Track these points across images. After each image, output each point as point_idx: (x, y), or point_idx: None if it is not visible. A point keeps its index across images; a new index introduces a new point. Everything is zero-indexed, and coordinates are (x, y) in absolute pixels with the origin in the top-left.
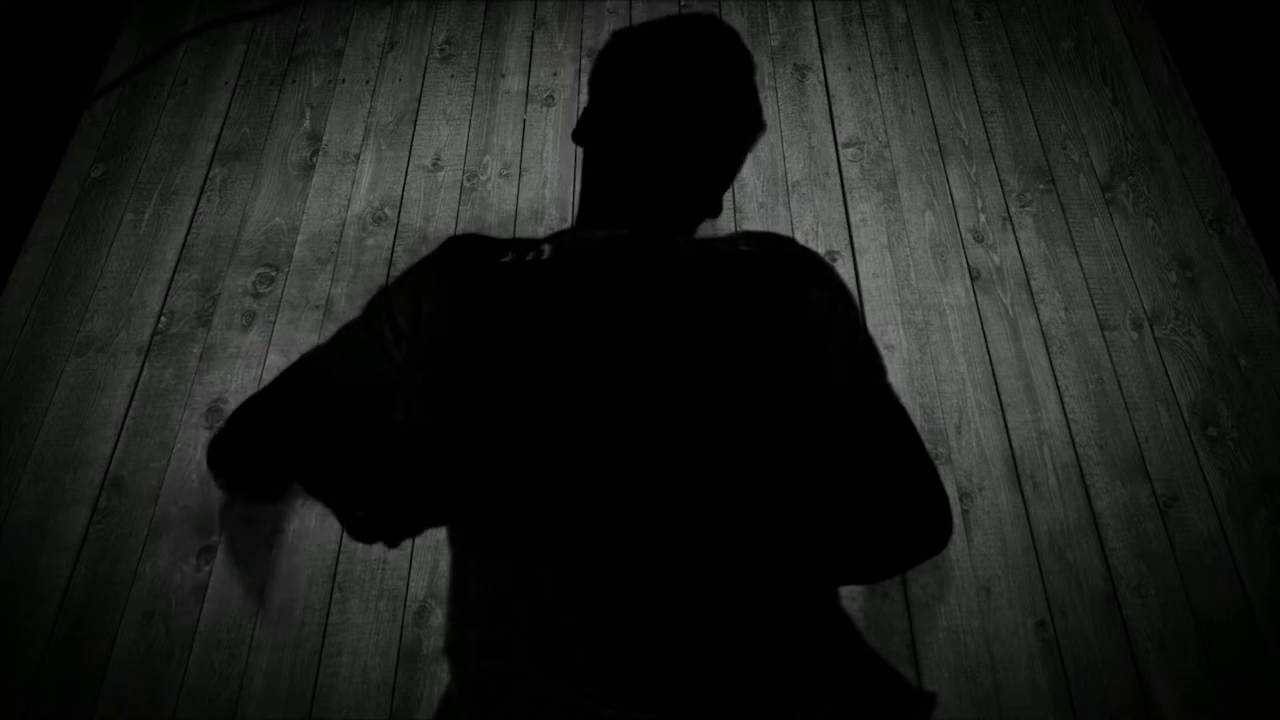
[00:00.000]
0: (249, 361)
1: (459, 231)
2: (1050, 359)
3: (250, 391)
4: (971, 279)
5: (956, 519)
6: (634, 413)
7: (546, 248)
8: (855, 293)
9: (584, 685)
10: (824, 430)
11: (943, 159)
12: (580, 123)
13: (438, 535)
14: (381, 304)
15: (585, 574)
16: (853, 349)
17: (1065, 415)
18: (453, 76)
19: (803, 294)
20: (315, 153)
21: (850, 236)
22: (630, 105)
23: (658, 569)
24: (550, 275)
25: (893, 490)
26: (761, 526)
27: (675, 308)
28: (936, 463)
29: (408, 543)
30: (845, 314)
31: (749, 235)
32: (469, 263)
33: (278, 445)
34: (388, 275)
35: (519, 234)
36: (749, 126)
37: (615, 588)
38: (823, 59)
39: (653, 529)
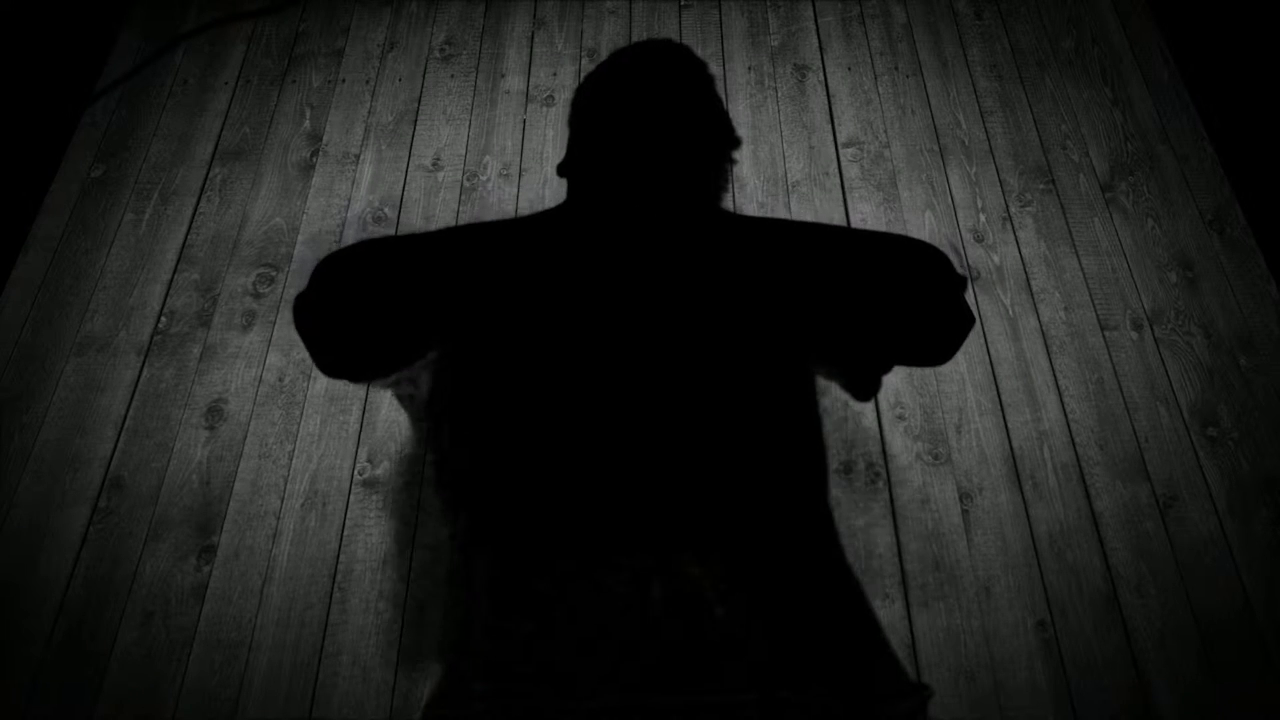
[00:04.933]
0: (249, 361)
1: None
2: (1050, 359)
3: (250, 393)
4: (971, 279)
5: (956, 520)
6: (623, 384)
7: (545, 223)
8: None
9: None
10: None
11: (943, 159)
12: (564, 159)
13: (439, 534)
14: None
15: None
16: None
17: (1065, 415)
18: (453, 76)
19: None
20: (315, 153)
21: None
22: (601, 130)
23: (651, 535)
24: (547, 246)
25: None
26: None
27: (656, 274)
28: (936, 464)
29: (408, 544)
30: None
31: None
32: (476, 227)
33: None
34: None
35: None
36: (709, 133)
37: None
38: (823, 59)
39: (642, 457)
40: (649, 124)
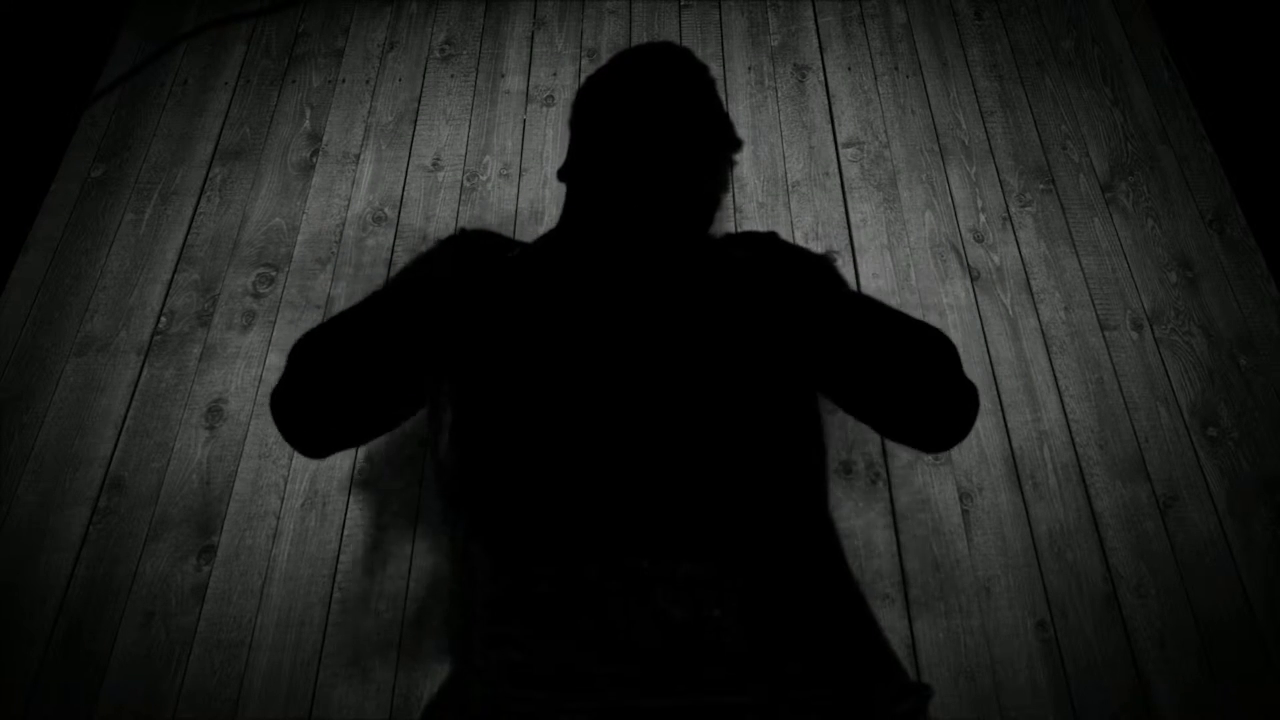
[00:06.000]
0: (249, 361)
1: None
2: (1050, 359)
3: (250, 393)
4: (971, 279)
5: (956, 520)
6: (615, 378)
7: (545, 248)
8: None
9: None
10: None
11: (943, 159)
12: (565, 164)
13: (439, 535)
14: (412, 268)
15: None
16: (819, 285)
17: (1065, 415)
18: (453, 76)
19: (770, 263)
20: (315, 153)
21: (850, 236)
22: (603, 136)
23: (648, 536)
24: (552, 263)
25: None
26: (754, 492)
27: (659, 291)
28: (937, 464)
29: (408, 545)
30: (807, 265)
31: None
32: (481, 250)
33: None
34: (388, 275)
35: (519, 235)
36: (714, 139)
37: (614, 567)
38: (823, 59)
39: (640, 501)
40: (652, 139)
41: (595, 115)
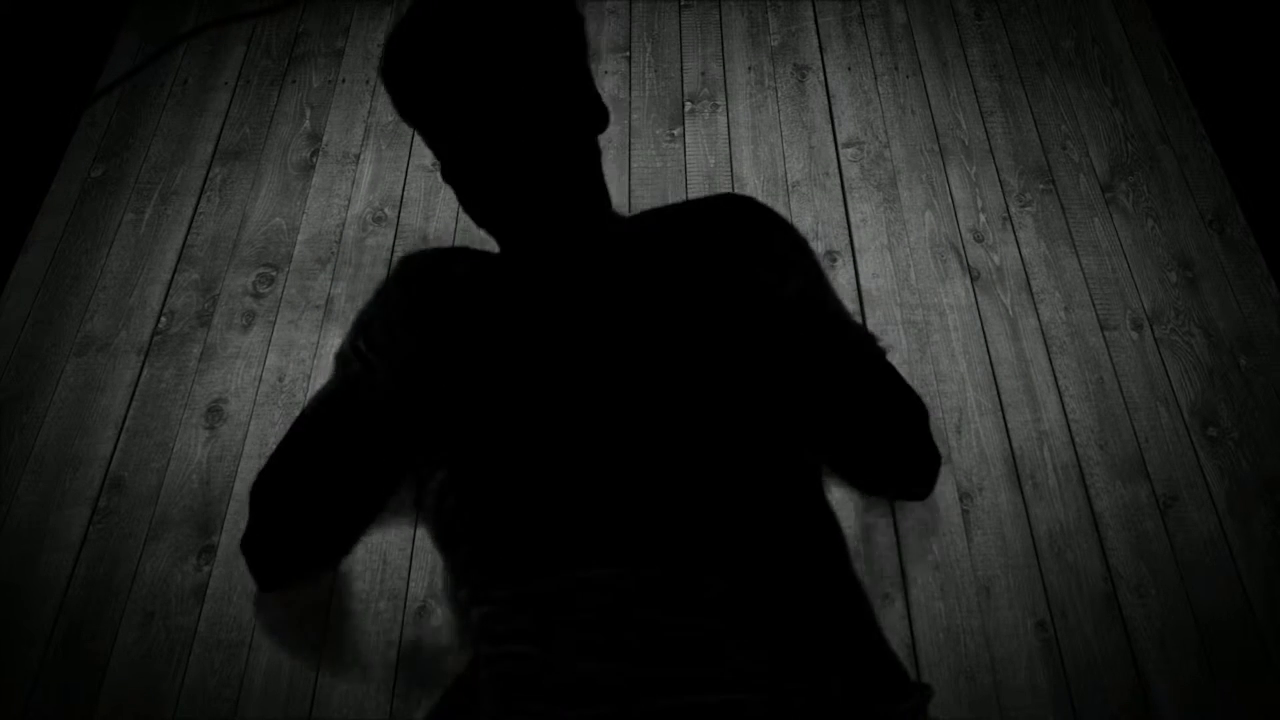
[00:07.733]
0: (249, 361)
1: (449, 241)
2: (1050, 359)
3: (250, 393)
4: (971, 279)
5: (956, 520)
6: (593, 389)
7: (492, 257)
8: (855, 293)
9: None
10: (784, 360)
11: (943, 159)
12: (443, 165)
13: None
14: (350, 346)
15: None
16: (803, 288)
17: (1065, 415)
18: None
19: (738, 236)
20: (315, 153)
21: (850, 236)
22: (452, 127)
23: (644, 540)
24: (501, 278)
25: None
26: (736, 485)
27: (614, 283)
28: None
29: (408, 543)
30: (786, 252)
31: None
32: (426, 279)
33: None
34: (388, 275)
35: None
36: (552, 28)
37: (602, 563)
38: (823, 59)
39: (625, 506)
40: (504, 116)
41: (427, 98)
